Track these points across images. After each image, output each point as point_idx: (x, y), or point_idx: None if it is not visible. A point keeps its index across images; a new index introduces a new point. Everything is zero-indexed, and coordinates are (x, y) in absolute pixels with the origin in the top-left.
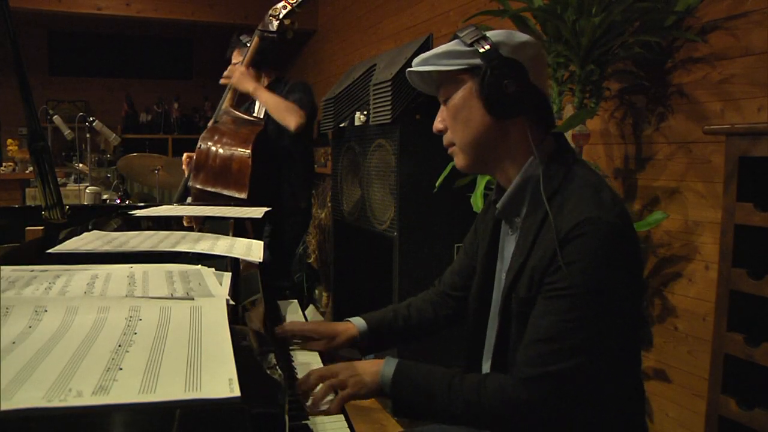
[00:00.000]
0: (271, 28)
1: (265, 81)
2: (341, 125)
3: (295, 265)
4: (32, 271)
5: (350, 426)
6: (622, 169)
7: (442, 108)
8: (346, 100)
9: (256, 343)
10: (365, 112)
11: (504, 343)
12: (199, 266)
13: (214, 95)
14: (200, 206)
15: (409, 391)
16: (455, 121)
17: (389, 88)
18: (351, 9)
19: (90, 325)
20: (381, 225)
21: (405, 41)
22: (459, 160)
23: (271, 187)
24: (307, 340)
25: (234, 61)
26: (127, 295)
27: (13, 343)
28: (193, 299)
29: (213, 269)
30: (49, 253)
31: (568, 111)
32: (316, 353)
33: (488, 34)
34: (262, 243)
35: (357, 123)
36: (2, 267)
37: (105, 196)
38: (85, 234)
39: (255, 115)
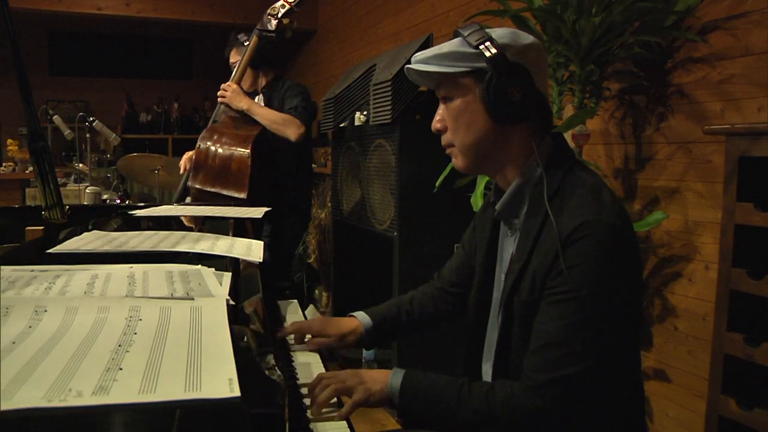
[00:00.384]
0: (269, 28)
1: (263, 81)
2: (341, 125)
3: (295, 265)
4: (32, 271)
5: (350, 426)
6: (622, 169)
7: (442, 107)
8: (346, 100)
9: (256, 343)
10: (365, 112)
11: (506, 346)
12: (199, 266)
13: (214, 95)
14: (200, 206)
15: (417, 401)
16: (456, 124)
17: (389, 88)
18: (351, 9)
19: (90, 325)
20: (381, 225)
21: (405, 41)
22: (458, 162)
23: (270, 187)
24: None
25: (232, 60)
26: (127, 295)
27: (13, 343)
28: (193, 299)
29: (213, 269)
30: (49, 253)
31: (568, 111)
32: (317, 354)
33: (493, 34)
34: (262, 243)
35: (357, 123)
36: (2, 267)
37: (105, 196)
38: (85, 234)
39: None
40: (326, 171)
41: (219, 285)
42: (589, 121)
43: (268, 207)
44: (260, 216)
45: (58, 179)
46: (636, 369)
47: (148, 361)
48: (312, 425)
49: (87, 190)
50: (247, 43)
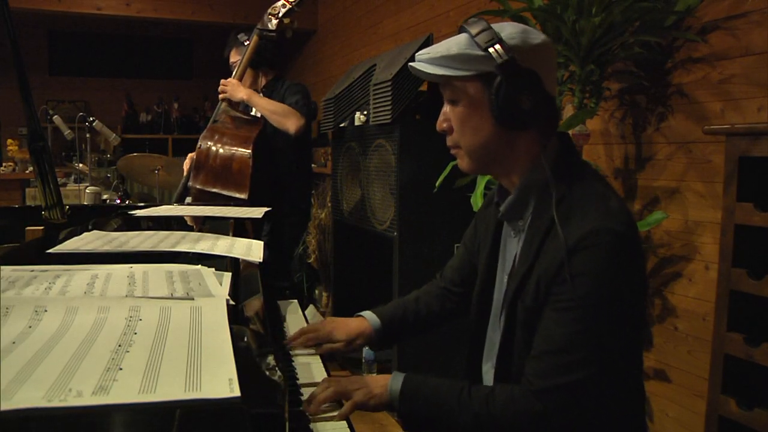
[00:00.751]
0: (270, 27)
1: (263, 81)
2: (341, 125)
3: (295, 265)
4: (32, 271)
5: (350, 426)
6: (622, 169)
7: (447, 107)
8: (346, 100)
9: (256, 343)
10: (365, 112)
11: (508, 350)
12: (199, 266)
13: (214, 95)
14: (200, 206)
15: (417, 405)
16: (462, 127)
17: (389, 88)
18: (351, 9)
19: (90, 325)
20: (381, 225)
21: (405, 41)
22: (463, 163)
23: (270, 186)
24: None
25: (232, 60)
26: (127, 295)
27: (13, 343)
28: (193, 299)
29: (213, 269)
30: (49, 253)
31: (568, 111)
32: (317, 355)
33: (502, 33)
34: (262, 243)
35: (357, 123)
36: (2, 267)
37: (105, 196)
38: (85, 234)
39: (253, 113)
40: (326, 171)
41: (219, 285)
42: (589, 121)
43: (268, 207)
44: (260, 216)
45: (58, 179)
46: (638, 372)
47: (148, 361)
48: (312, 425)
49: (87, 190)
50: (248, 42)
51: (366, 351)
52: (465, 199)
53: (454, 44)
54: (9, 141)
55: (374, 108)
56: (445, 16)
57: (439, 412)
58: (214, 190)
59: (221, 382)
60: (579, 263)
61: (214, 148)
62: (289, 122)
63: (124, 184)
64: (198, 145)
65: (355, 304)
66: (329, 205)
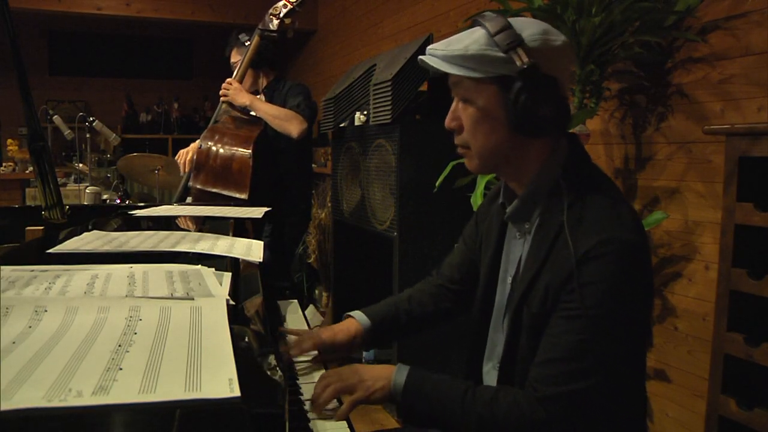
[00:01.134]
0: (271, 27)
1: (264, 81)
2: (341, 125)
3: (295, 265)
4: (32, 271)
5: (350, 426)
6: (622, 169)
7: (457, 105)
8: (346, 100)
9: (256, 343)
10: (365, 112)
11: (512, 355)
12: (199, 266)
13: (214, 95)
14: (200, 206)
15: (420, 401)
16: (475, 129)
17: (389, 88)
18: (351, 9)
19: (90, 325)
20: (381, 225)
21: (405, 41)
22: (471, 164)
23: (270, 186)
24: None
25: (233, 60)
26: (127, 295)
27: (13, 343)
28: (193, 299)
29: (213, 269)
30: (49, 253)
31: None
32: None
33: (523, 33)
34: (262, 243)
35: (357, 123)
36: (2, 267)
37: (105, 196)
38: (85, 234)
39: (254, 113)
40: (326, 171)
41: (219, 285)
42: (589, 121)
43: (268, 207)
44: (260, 216)
45: (58, 179)
46: (641, 378)
47: (148, 361)
48: (312, 425)
49: (87, 190)
50: (249, 43)
51: (366, 351)
52: (465, 199)
53: (472, 42)
54: (9, 141)
55: (374, 108)
56: (445, 16)
57: (441, 410)
58: (215, 190)
59: (221, 382)
60: (589, 272)
61: (214, 149)
62: (292, 126)
63: (124, 184)
64: (198, 145)
65: (355, 304)
66: (329, 205)
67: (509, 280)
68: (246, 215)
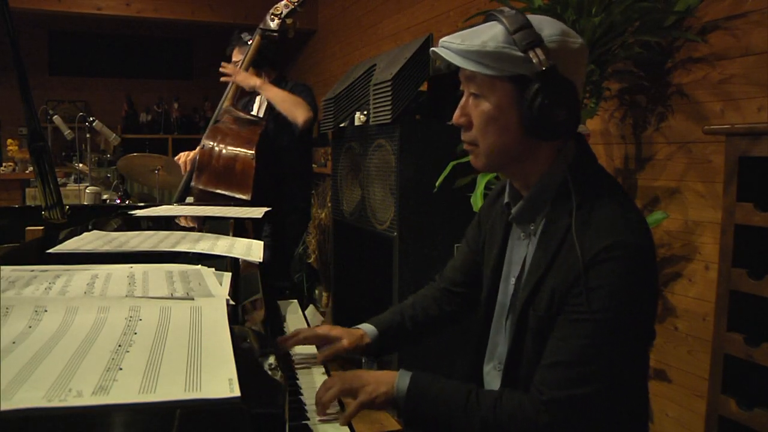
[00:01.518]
0: (272, 27)
1: (266, 79)
2: (341, 125)
3: (295, 265)
4: (32, 271)
5: (350, 426)
6: (622, 169)
7: (469, 101)
8: (346, 100)
9: (256, 343)
10: (365, 112)
11: (517, 357)
12: (199, 266)
13: (214, 95)
14: (200, 206)
15: (423, 405)
16: (486, 127)
17: (389, 88)
18: (351, 9)
19: (90, 325)
20: (381, 225)
21: (405, 41)
22: (477, 161)
23: (271, 186)
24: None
25: (234, 59)
26: (127, 295)
27: (13, 343)
28: (193, 299)
29: (213, 269)
30: (49, 253)
31: None
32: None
33: (542, 33)
34: (262, 243)
35: (357, 123)
36: (2, 267)
37: (105, 196)
38: (85, 234)
39: (254, 113)
40: (326, 171)
41: (219, 285)
42: (589, 121)
43: (268, 207)
44: (260, 216)
45: (58, 179)
46: (644, 381)
47: (148, 361)
48: (311, 425)
49: (87, 190)
50: (251, 42)
51: None
52: (465, 199)
53: (490, 39)
54: (9, 141)
55: (374, 108)
56: (445, 16)
57: (444, 414)
58: (217, 190)
59: (221, 382)
60: (596, 276)
61: (217, 149)
62: (299, 112)
63: (124, 184)
64: (201, 145)
65: (355, 304)
66: (329, 205)
67: (512, 280)
68: (246, 215)
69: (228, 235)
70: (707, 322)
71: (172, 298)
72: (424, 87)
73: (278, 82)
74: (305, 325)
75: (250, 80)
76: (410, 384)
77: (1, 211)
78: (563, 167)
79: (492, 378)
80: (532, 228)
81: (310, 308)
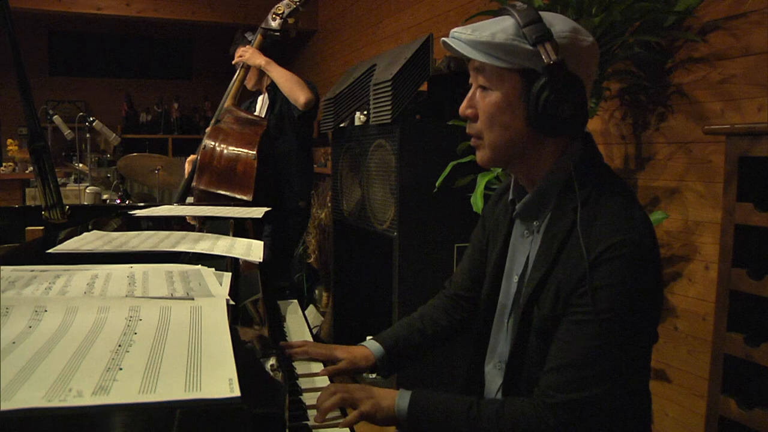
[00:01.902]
0: (274, 27)
1: (268, 80)
2: (341, 125)
3: (295, 265)
4: (32, 271)
5: (351, 427)
6: (622, 169)
7: (477, 93)
8: (346, 100)
9: (257, 343)
10: (365, 112)
11: (519, 357)
12: (199, 266)
13: (214, 95)
14: (200, 206)
15: (425, 424)
16: (491, 120)
17: (389, 88)
18: (351, 9)
19: (90, 325)
20: (381, 225)
21: (405, 41)
22: (482, 156)
23: (271, 186)
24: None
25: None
26: (127, 295)
27: (13, 343)
28: (193, 299)
29: (213, 269)
30: (49, 253)
31: None
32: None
33: (553, 29)
34: (262, 243)
35: (357, 123)
36: (2, 267)
37: (105, 196)
38: (85, 234)
39: (256, 114)
40: (326, 171)
41: (219, 285)
42: (589, 120)
43: (268, 207)
44: (260, 216)
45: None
46: (647, 380)
47: (148, 361)
48: (312, 424)
49: (87, 190)
50: (253, 41)
51: None
52: (465, 199)
53: (500, 31)
54: (9, 141)
55: (374, 108)
56: (445, 16)
57: (448, 430)
58: (219, 191)
59: (221, 382)
60: (601, 275)
61: (218, 149)
62: (300, 92)
63: (124, 184)
64: (202, 146)
65: (355, 304)
66: (329, 205)
67: (515, 278)
68: (246, 215)
69: (228, 235)
70: (707, 322)
71: (172, 298)
72: (424, 87)
73: None
74: (305, 325)
75: (258, 59)
76: (410, 403)
77: (1, 211)
78: (569, 165)
79: (493, 377)
80: (535, 225)
81: (310, 308)
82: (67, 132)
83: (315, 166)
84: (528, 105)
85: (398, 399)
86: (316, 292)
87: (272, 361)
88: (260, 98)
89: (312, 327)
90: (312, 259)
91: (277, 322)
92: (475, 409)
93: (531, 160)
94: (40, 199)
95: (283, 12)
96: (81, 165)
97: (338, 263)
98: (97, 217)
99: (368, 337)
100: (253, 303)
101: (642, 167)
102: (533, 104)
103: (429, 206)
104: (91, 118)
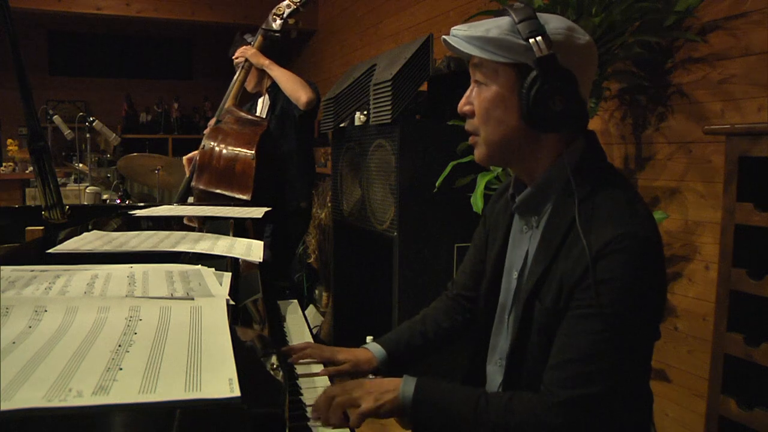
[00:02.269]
0: (274, 27)
1: (268, 81)
2: (341, 125)
3: (295, 265)
4: (32, 271)
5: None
6: (622, 169)
7: (474, 89)
8: (346, 100)
9: (257, 343)
10: (365, 112)
11: (521, 353)
12: (199, 266)
13: (214, 95)
14: (200, 206)
15: (431, 413)
16: (486, 115)
17: (389, 88)
18: (351, 9)
19: (90, 325)
20: (381, 225)
21: (405, 41)
22: (479, 153)
23: (272, 186)
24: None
25: (236, 60)
26: (127, 295)
27: (13, 343)
28: (193, 299)
29: (213, 269)
30: (49, 253)
31: None
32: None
33: (548, 27)
34: (262, 243)
35: (357, 123)
36: (2, 267)
37: (105, 196)
38: (85, 234)
39: (257, 115)
40: (326, 171)
41: (219, 285)
42: (589, 121)
43: (269, 207)
44: (260, 216)
45: (58, 179)
46: (648, 379)
47: (148, 361)
48: (312, 424)
49: (87, 190)
50: (253, 43)
51: None
52: (465, 199)
53: (495, 27)
54: (9, 141)
55: (374, 108)
56: (445, 16)
57: (454, 421)
58: (218, 191)
59: (221, 382)
60: (604, 269)
61: (217, 149)
62: (302, 92)
63: (124, 184)
64: (202, 145)
65: (355, 304)
66: (329, 205)
67: (515, 274)
68: (246, 215)
69: (228, 235)
70: (707, 322)
71: (172, 298)
72: (424, 87)
73: None
74: (305, 325)
75: (260, 59)
76: (416, 389)
77: (1, 211)
78: (570, 163)
79: (494, 375)
80: (534, 220)
81: (310, 308)
82: (67, 132)
83: (315, 166)
84: (521, 99)
85: (403, 385)
86: (316, 292)
87: (272, 361)
88: (260, 100)
89: (312, 327)
90: (312, 259)
91: (277, 322)
92: (483, 401)
93: (528, 157)
94: (40, 199)
95: (284, 12)
96: (81, 165)
97: (338, 263)
98: (97, 217)
99: (369, 338)
100: (253, 303)
101: (642, 167)
102: (525, 97)
103: (429, 206)
104: (91, 118)
